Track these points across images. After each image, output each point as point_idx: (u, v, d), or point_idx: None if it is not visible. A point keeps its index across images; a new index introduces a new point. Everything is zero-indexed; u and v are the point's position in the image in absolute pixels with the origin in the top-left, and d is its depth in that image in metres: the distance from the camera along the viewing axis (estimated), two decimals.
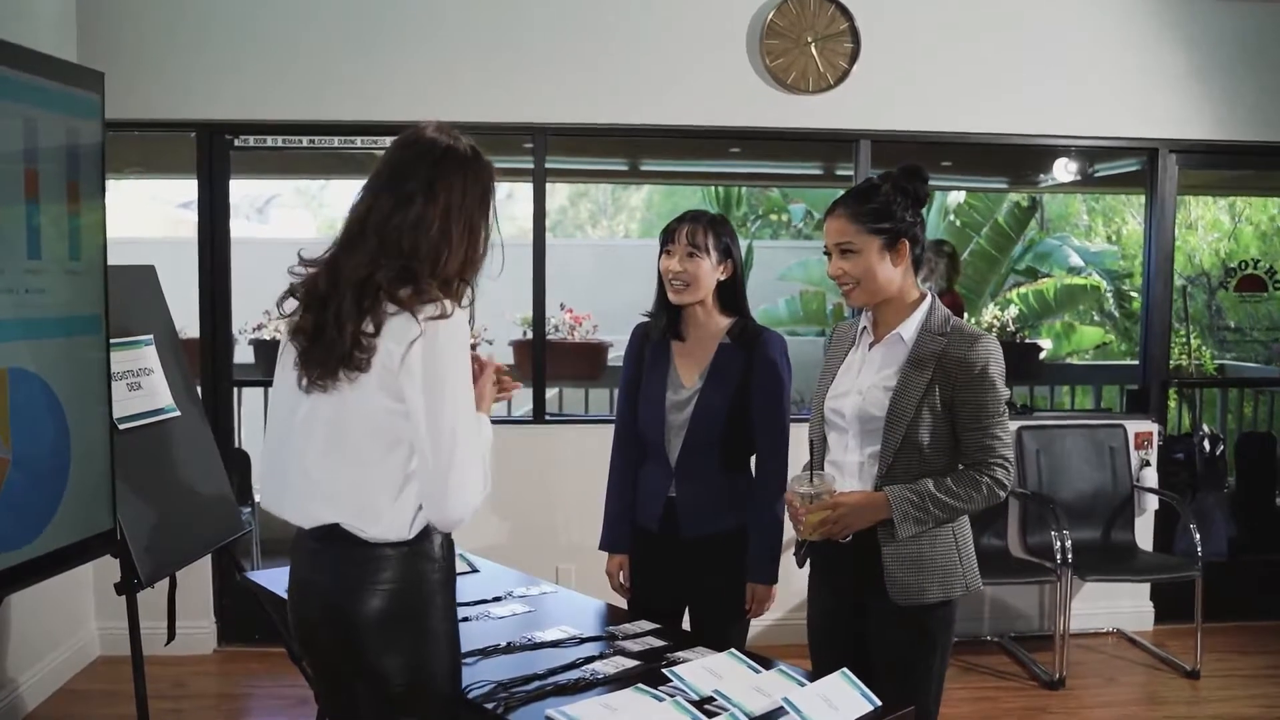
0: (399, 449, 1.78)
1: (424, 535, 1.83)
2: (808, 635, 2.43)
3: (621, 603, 2.70)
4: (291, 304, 1.87)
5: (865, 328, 2.32)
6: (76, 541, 2.51)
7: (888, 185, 2.23)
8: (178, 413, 2.88)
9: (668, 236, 2.56)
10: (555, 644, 2.28)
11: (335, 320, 1.77)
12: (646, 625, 2.41)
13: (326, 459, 1.81)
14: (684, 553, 2.55)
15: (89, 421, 2.55)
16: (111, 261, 2.99)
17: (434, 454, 1.73)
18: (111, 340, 2.69)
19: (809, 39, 4.28)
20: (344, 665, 1.83)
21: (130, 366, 2.75)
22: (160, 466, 2.80)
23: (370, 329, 1.74)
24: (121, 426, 2.65)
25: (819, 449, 2.33)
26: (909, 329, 2.22)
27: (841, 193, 2.31)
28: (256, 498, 4.78)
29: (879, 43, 4.32)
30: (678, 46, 4.30)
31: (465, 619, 2.43)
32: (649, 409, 2.59)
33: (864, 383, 2.25)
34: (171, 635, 2.85)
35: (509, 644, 2.27)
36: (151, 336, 2.87)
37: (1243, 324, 8.53)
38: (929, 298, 2.27)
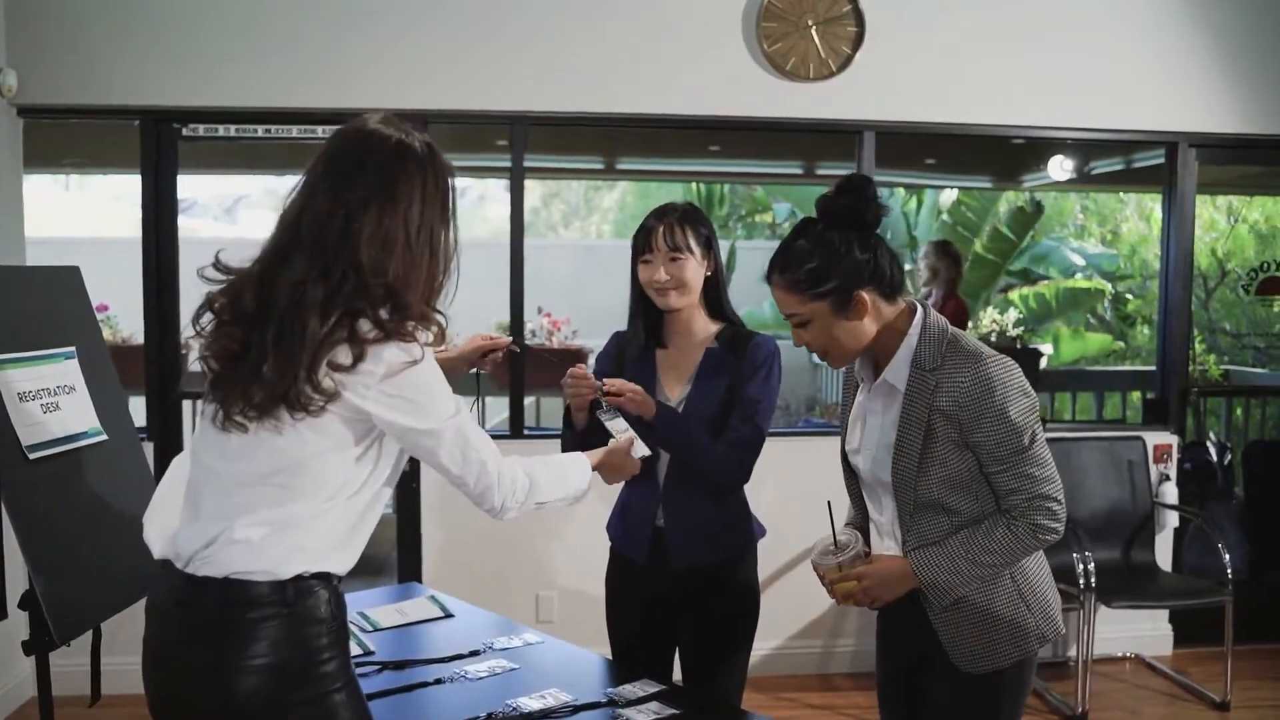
0: (338, 497, 1.55)
1: (307, 592, 1.53)
2: (877, 687, 2.14)
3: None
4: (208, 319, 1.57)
5: (859, 367, 1.99)
6: None
7: (819, 227, 1.85)
8: (104, 436, 2.49)
9: (644, 243, 2.30)
10: (546, 715, 1.95)
11: (276, 344, 1.48)
12: (651, 687, 2.08)
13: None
14: (675, 586, 2.31)
15: None
16: (78, 262, 2.66)
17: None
18: (22, 355, 2.31)
19: (810, 22, 3.96)
20: None
21: (45, 384, 2.35)
22: (81, 501, 2.40)
23: (346, 360, 1.48)
24: (32, 456, 2.25)
25: (834, 508, 1.99)
26: (897, 373, 1.86)
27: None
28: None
29: (885, 27, 4.00)
30: (667, 30, 3.96)
31: (438, 680, 2.12)
32: (635, 424, 2.29)
33: (870, 438, 1.93)
34: (96, 696, 2.47)
35: (490, 716, 1.93)
36: (74, 349, 2.48)
37: (1238, 328, 8.34)
38: (916, 324, 1.86)
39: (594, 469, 1.92)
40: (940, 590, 1.83)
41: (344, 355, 1.48)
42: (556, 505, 1.80)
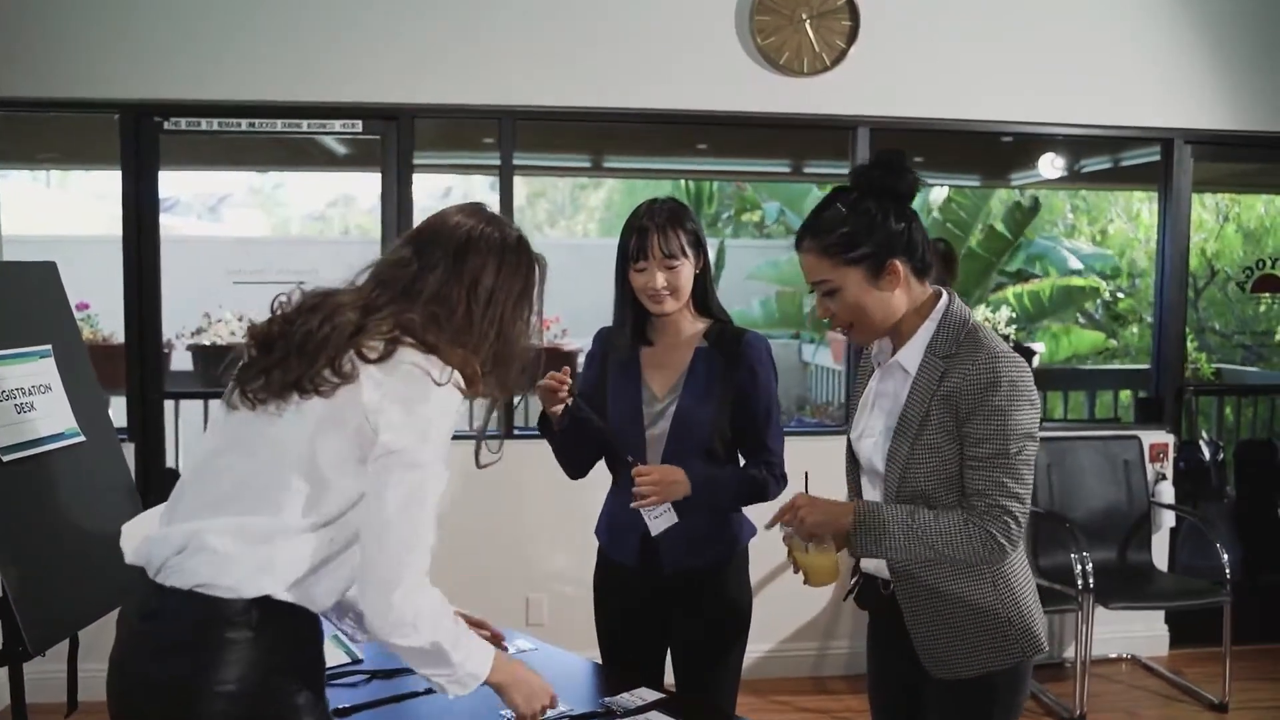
0: (313, 521, 1.49)
1: (279, 615, 1.47)
2: (868, 692, 2.09)
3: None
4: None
5: (877, 351, 1.94)
6: None
7: (854, 195, 1.81)
8: (82, 437, 2.41)
9: (638, 249, 2.22)
10: None
11: (310, 334, 1.47)
12: (648, 695, 2.03)
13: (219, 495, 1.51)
14: (665, 590, 2.28)
15: None
16: (59, 260, 2.60)
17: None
18: None
19: (804, 15, 3.90)
20: None
21: (20, 384, 2.27)
22: (57, 505, 2.32)
23: (375, 352, 1.47)
24: (6, 459, 2.18)
25: (809, 480, 1.94)
26: (911, 355, 1.81)
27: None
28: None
29: (880, 21, 3.95)
30: (659, 23, 3.90)
31: (429, 690, 2.04)
32: (623, 425, 2.29)
33: (875, 423, 1.88)
34: (73, 705, 2.39)
35: None
36: (49, 347, 2.40)
37: (1227, 327, 8.34)
38: (939, 310, 1.83)
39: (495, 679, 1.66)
40: (865, 538, 1.75)
41: (375, 346, 1.48)
42: (444, 675, 1.58)
